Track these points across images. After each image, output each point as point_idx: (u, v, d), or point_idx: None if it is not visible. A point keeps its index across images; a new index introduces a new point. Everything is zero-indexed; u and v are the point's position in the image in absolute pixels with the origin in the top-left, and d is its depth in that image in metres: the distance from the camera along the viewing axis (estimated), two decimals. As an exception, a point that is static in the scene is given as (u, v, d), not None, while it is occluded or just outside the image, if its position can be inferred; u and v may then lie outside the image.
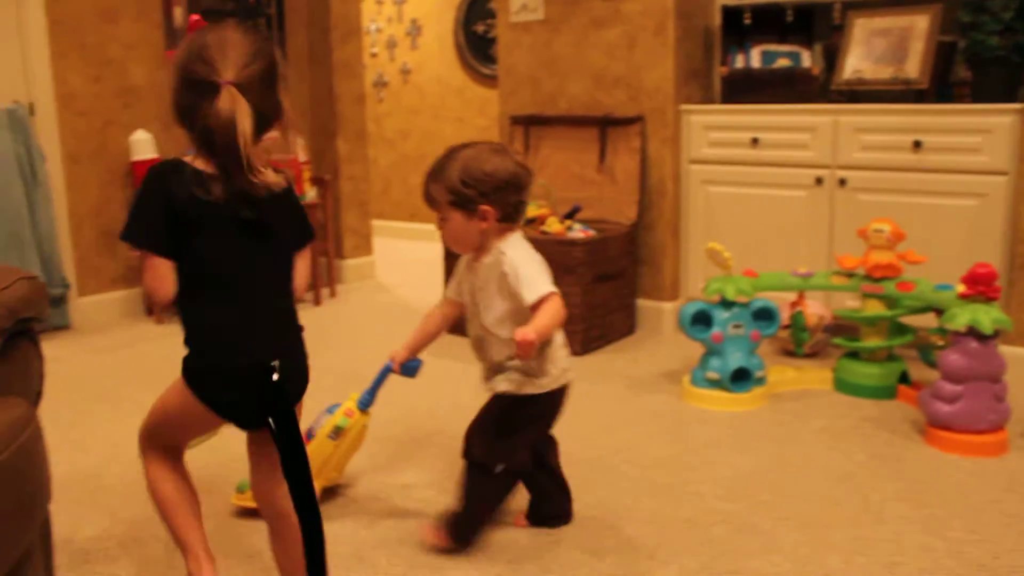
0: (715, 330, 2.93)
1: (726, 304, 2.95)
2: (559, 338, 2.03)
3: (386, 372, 2.20)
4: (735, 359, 2.92)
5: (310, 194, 4.47)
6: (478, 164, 1.95)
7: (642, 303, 3.97)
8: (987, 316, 2.59)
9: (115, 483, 2.42)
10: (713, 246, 3.05)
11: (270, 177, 1.55)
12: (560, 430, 2.73)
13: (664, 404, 3.01)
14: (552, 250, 3.49)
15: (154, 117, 4.35)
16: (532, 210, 3.75)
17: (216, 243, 1.57)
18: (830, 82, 3.76)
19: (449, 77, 6.48)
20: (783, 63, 3.88)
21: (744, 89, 3.86)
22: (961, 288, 2.71)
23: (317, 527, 1.54)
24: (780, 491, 2.34)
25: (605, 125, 3.91)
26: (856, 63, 3.69)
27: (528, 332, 1.77)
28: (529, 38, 4.20)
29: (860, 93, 3.63)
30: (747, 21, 3.98)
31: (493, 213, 1.93)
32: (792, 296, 3.40)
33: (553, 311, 1.85)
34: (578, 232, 3.63)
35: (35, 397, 1.62)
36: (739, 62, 3.95)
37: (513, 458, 2.05)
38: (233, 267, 1.59)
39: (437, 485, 2.40)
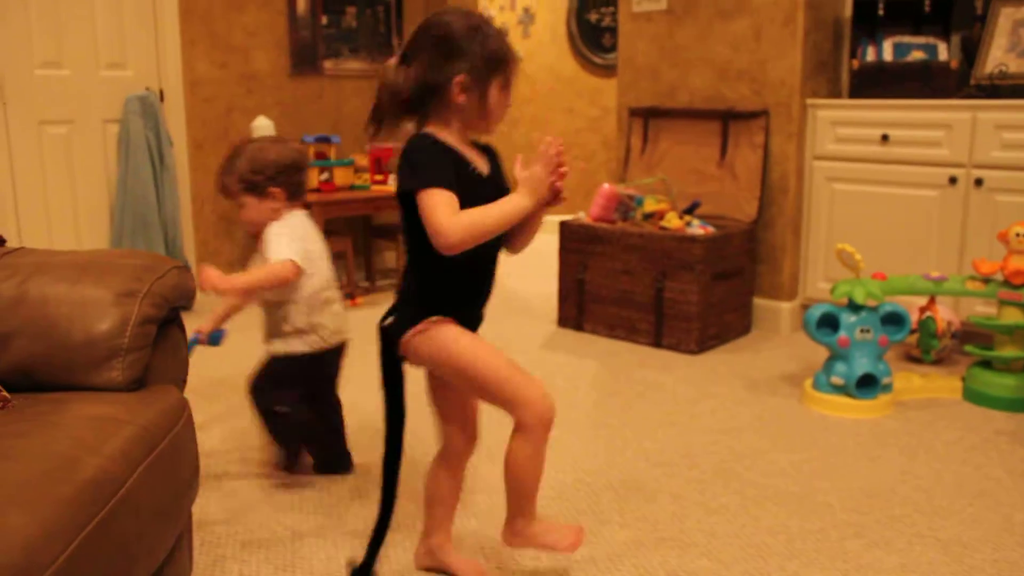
0: (842, 334, 2.84)
1: (854, 307, 2.85)
2: (329, 303, 2.32)
3: (193, 343, 2.35)
4: (861, 364, 2.82)
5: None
6: (263, 154, 2.28)
7: (759, 302, 3.87)
8: None
9: (238, 469, 2.48)
10: (844, 247, 2.94)
11: None
12: (682, 432, 2.70)
13: (785, 408, 2.93)
14: (670, 246, 3.45)
15: (275, 103, 4.44)
16: (651, 204, 3.70)
17: None
18: (968, 76, 3.59)
19: (560, 66, 6.45)
20: (917, 56, 3.73)
21: (875, 83, 3.72)
22: (1113, 299, 2.55)
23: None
24: (914, 505, 2.25)
25: (727, 119, 3.82)
26: (999, 55, 3.53)
27: (216, 277, 2.10)
28: (651, 28, 4.13)
29: (1002, 88, 3.46)
30: (881, 12, 3.84)
31: (281, 193, 2.29)
32: (921, 301, 3.27)
33: (266, 272, 2.17)
34: (697, 228, 3.56)
35: (182, 384, 1.66)
36: (870, 55, 3.81)
37: (284, 403, 2.30)
38: None
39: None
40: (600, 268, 3.68)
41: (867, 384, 2.85)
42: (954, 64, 3.61)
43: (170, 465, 1.41)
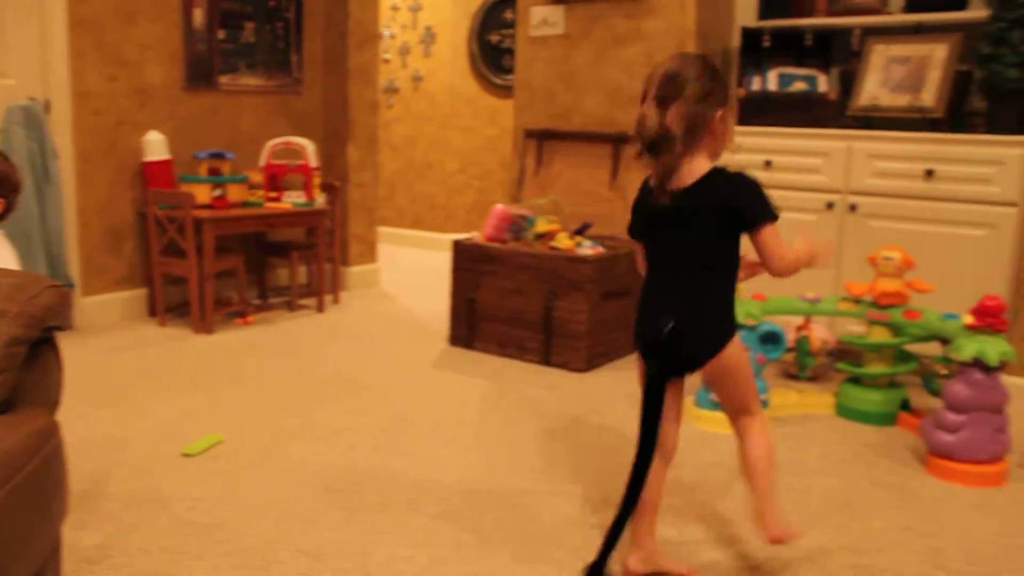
0: (722, 352, 2.94)
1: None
2: None
3: None
4: (741, 382, 2.93)
5: (319, 200, 4.48)
6: None
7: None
8: (994, 348, 2.60)
9: (118, 489, 2.42)
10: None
11: None
12: (568, 450, 2.75)
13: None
14: (560, 266, 3.52)
15: (168, 117, 4.37)
16: (542, 225, 3.76)
17: None
18: (845, 107, 3.77)
19: (460, 86, 6.51)
20: (799, 87, 3.90)
21: (760, 111, 3.88)
22: (969, 319, 2.71)
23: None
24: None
25: (619, 142, 3.92)
26: (872, 89, 3.71)
27: None
28: (547, 52, 4.22)
29: (875, 120, 3.65)
30: (766, 44, 4.00)
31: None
32: (798, 320, 3.41)
33: None
34: (587, 249, 3.64)
35: (54, 406, 1.63)
36: (756, 84, 3.97)
37: None
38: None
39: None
40: (492, 287, 3.73)
41: (745, 401, 2.95)
42: (832, 96, 3.79)
43: (36, 489, 1.38)
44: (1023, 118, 3.37)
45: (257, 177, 4.50)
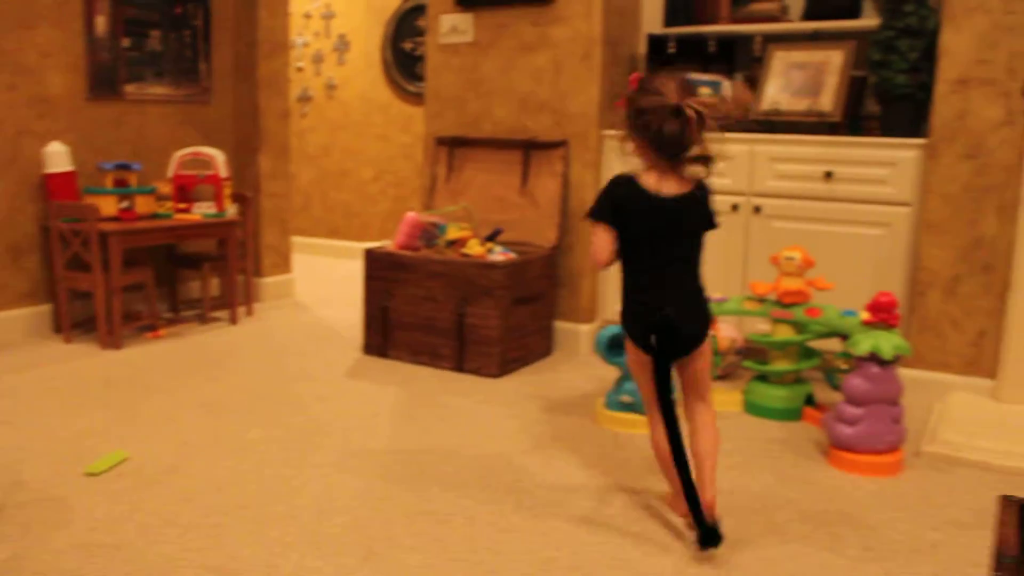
0: (630, 353, 2.99)
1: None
2: None
3: None
4: (649, 382, 2.98)
5: (230, 211, 4.42)
6: None
7: (559, 325, 4.02)
8: (888, 342, 2.69)
9: (17, 512, 2.35)
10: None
11: None
12: (480, 454, 2.76)
13: (579, 427, 3.05)
14: (472, 273, 3.53)
15: (70, 127, 4.26)
16: (454, 232, 3.77)
17: None
18: (749, 112, 3.87)
19: (374, 94, 6.48)
20: (704, 92, 3.97)
21: (664, 116, 3.94)
22: (864, 315, 2.81)
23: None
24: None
25: (529, 148, 3.96)
26: (774, 94, 3.81)
27: None
28: (457, 60, 4.24)
29: (777, 124, 3.75)
30: (671, 50, 4.08)
31: None
32: (706, 320, 3.48)
33: None
34: (498, 255, 3.66)
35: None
36: (660, 90, 4.03)
37: None
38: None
39: (351, 507, 2.39)
40: (404, 295, 3.72)
41: (654, 401, 3.00)
42: (734, 100, 3.88)
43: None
44: (914, 122, 3.51)
45: (166, 188, 4.42)
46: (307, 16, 6.69)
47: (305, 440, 2.86)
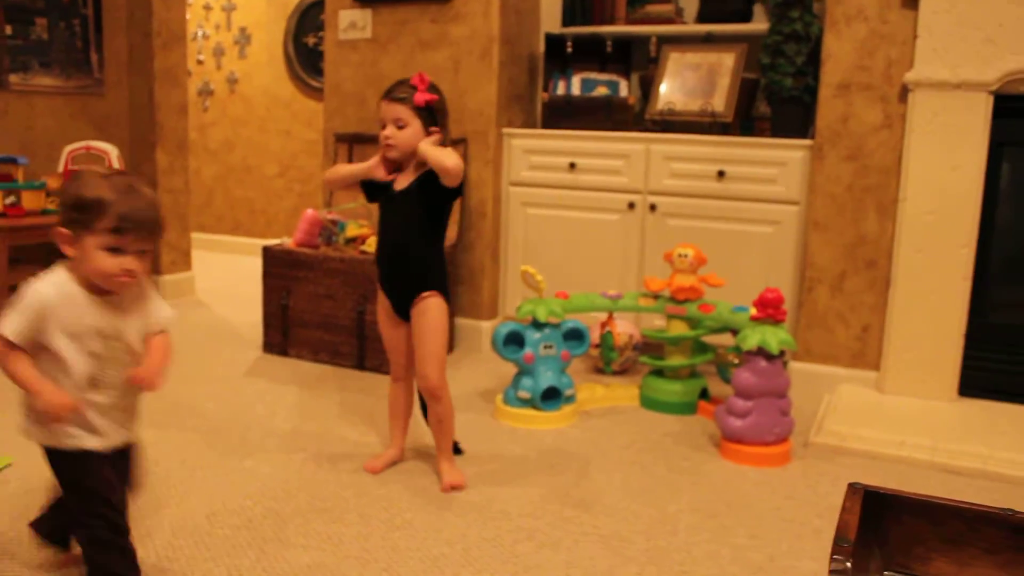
0: (527, 350, 3.03)
1: (538, 325, 3.05)
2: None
3: None
4: (546, 378, 3.02)
5: (124, 206, 4.28)
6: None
7: (461, 322, 4.04)
8: (774, 337, 2.78)
9: None
10: (526, 269, 3.14)
11: None
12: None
13: (479, 423, 3.07)
14: (371, 270, 3.51)
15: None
16: (353, 229, 3.75)
17: None
18: (645, 111, 3.95)
19: (277, 88, 6.39)
20: (601, 91, 4.05)
21: (564, 115, 4.00)
22: (753, 311, 2.90)
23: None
24: (585, 507, 2.44)
25: (429, 146, 3.95)
26: (668, 95, 3.90)
27: None
28: (356, 56, 4.21)
29: (671, 123, 3.83)
30: (569, 49, 4.13)
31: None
32: (603, 316, 3.54)
33: None
34: (400, 251, 3.65)
35: None
36: (560, 89, 4.09)
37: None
38: None
39: (244, 508, 2.36)
40: (303, 293, 3.69)
41: (551, 396, 3.05)
42: (632, 100, 3.96)
43: None
44: (801, 123, 3.63)
45: (55, 183, 4.27)
46: (207, 8, 6.55)
47: (198, 442, 2.82)
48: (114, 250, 1.65)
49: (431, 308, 2.48)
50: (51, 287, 1.69)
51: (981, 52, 3.13)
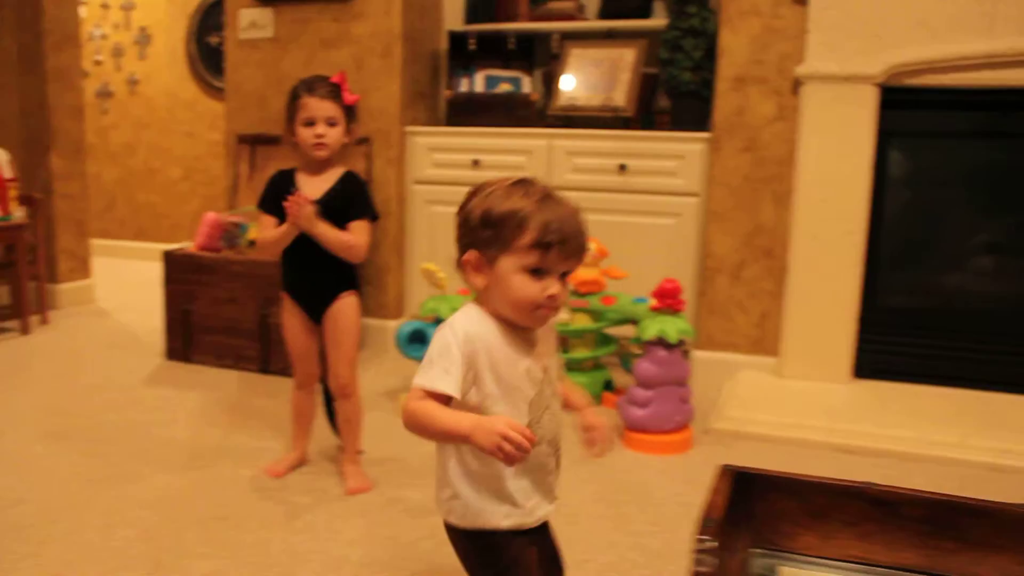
0: (431, 348, 3.02)
1: (440, 323, 3.05)
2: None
3: None
4: (451, 375, 3.02)
5: (17, 215, 4.16)
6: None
7: (368, 322, 4.01)
8: (673, 327, 2.84)
9: None
10: (427, 267, 3.14)
11: None
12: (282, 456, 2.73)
13: (383, 421, 3.06)
14: (273, 273, 3.44)
15: None
16: (255, 232, 3.70)
17: None
18: (547, 107, 3.98)
19: (180, 89, 6.26)
20: (505, 88, 4.07)
21: (468, 112, 4.01)
22: (652, 302, 2.95)
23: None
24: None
25: (331, 145, 3.92)
26: (571, 90, 3.93)
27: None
28: (258, 55, 4.15)
29: (574, 119, 3.87)
30: (472, 47, 4.14)
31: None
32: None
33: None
34: (303, 252, 3.61)
35: None
36: (463, 86, 4.10)
37: None
38: None
39: (140, 518, 2.32)
40: (206, 297, 3.63)
41: (456, 393, 3.05)
42: (534, 96, 3.99)
43: None
44: (699, 117, 3.70)
45: (-59, 191, 4.12)
46: (105, 7, 6.38)
47: (96, 452, 2.75)
48: (536, 272, 1.32)
49: (347, 308, 2.47)
50: (475, 325, 1.37)
51: (867, 46, 3.23)
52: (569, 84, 3.94)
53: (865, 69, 3.24)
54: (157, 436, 2.91)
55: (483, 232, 1.34)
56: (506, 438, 1.22)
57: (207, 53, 6.17)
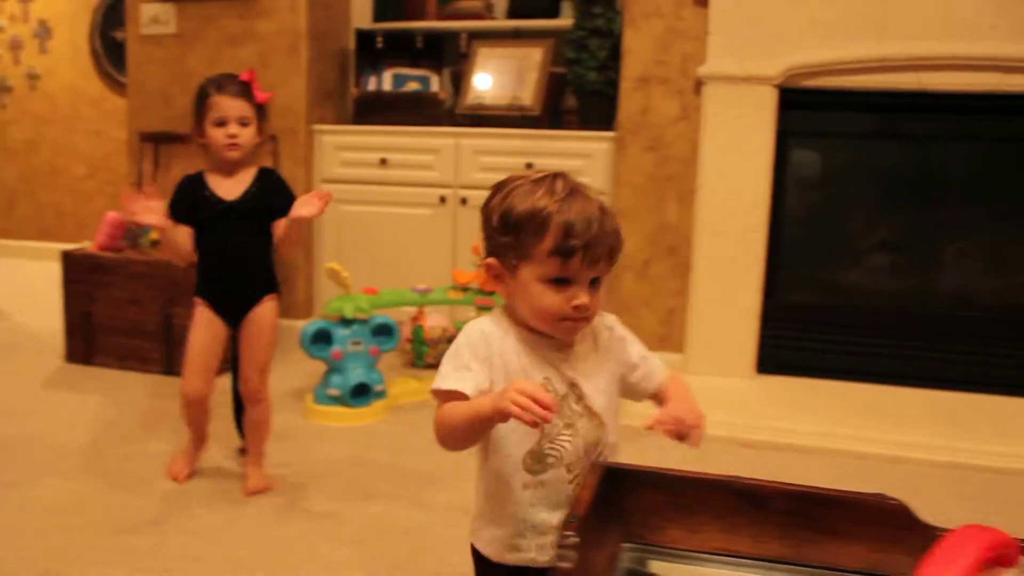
0: (335, 348, 3.01)
1: (346, 322, 3.04)
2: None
3: None
4: (355, 375, 3.02)
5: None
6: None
7: (279, 321, 3.97)
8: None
9: None
10: (331, 266, 3.13)
11: None
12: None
13: (289, 422, 3.03)
14: (177, 273, 3.42)
15: None
16: (156, 232, 3.63)
17: None
18: (456, 106, 3.98)
19: (84, 85, 6.09)
20: (413, 87, 4.07)
21: (375, 110, 4.00)
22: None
23: None
24: (391, 500, 2.46)
25: (236, 143, 3.86)
26: (479, 89, 3.95)
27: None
28: (161, 52, 4.08)
29: (482, 118, 3.89)
30: (380, 45, 4.12)
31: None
32: (415, 311, 3.56)
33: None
34: (207, 252, 3.56)
35: None
36: (371, 84, 4.08)
37: None
38: None
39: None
40: (107, 298, 3.54)
41: (361, 393, 3.05)
42: (442, 95, 3.99)
43: None
44: (606, 115, 3.75)
45: None
46: (1, -1, 6.17)
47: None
48: (559, 281, 1.21)
49: (268, 313, 2.46)
50: (493, 329, 1.27)
51: (766, 48, 3.32)
52: (477, 83, 3.95)
53: (764, 70, 3.32)
54: (53, 441, 2.83)
55: (502, 237, 1.23)
56: (521, 391, 1.10)
57: (113, 48, 6.00)
